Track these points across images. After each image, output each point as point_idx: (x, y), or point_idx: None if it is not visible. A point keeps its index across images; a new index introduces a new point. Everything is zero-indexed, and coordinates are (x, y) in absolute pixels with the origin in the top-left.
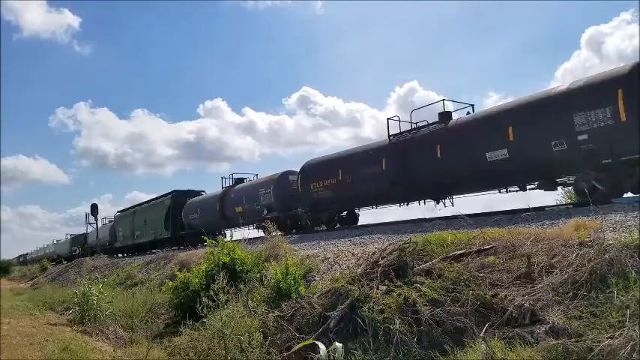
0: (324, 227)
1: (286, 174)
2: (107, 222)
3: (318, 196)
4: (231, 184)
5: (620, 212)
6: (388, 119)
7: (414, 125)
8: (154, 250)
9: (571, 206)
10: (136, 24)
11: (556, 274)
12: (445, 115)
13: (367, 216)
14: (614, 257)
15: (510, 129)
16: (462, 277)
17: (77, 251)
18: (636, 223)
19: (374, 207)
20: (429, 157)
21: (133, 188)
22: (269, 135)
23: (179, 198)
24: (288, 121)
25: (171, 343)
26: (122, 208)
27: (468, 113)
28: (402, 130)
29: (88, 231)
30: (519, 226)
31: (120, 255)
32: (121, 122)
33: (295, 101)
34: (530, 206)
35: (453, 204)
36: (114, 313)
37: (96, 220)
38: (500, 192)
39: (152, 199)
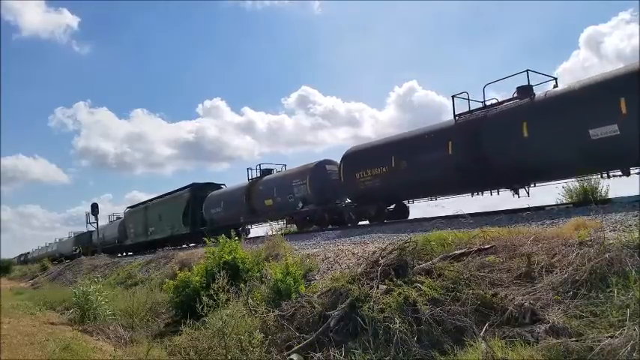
0: (364, 222)
1: (323, 163)
2: (115, 219)
3: (365, 187)
4: (257, 175)
5: (620, 211)
6: (453, 96)
7: (477, 108)
8: (171, 247)
9: (571, 205)
10: (135, 24)
11: (556, 273)
12: (527, 89)
13: (418, 210)
14: (614, 256)
15: (623, 100)
16: (462, 277)
17: (77, 250)
18: (636, 222)
19: (432, 198)
20: (512, 138)
21: (132, 188)
22: (268, 134)
23: (198, 191)
24: (288, 120)
25: (172, 343)
26: (130, 205)
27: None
28: (471, 109)
29: (93, 228)
30: (519, 226)
31: (130, 253)
32: (120, 122)
33: (294, 101)
34: (530, 206)
35: (528, 193)
36: (114, 313)
37: (96, 219)
38: (602, 176)
39: (167, 194)
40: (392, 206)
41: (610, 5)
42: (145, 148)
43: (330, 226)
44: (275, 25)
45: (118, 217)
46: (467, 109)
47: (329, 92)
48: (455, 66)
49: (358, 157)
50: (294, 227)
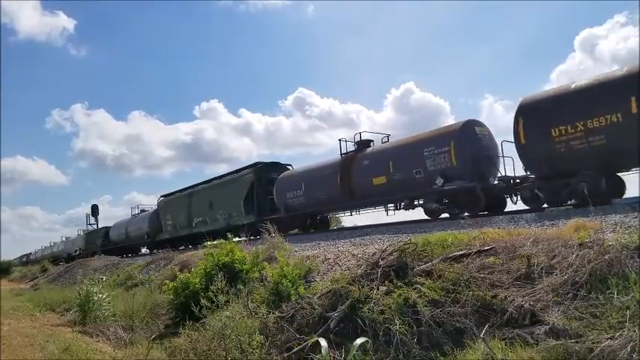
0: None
1: (471, 124)
2: (138, 211)
3: (570, 150)
4: (354, 148)
5: (620, 213)
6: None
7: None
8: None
9: (571, 207)
10: (132, 26)
11: (556, 274)
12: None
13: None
14: (614, 258)
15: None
16: (462, 278)
17: (77, 252)
18: (636, 223)
19: None
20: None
21: (131, 189)
22: (266, 136)
23: (264, 172)
24: (285, 122)
25: (172, 344)
26: (165, 193)
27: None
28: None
29: (104, 225)
30: (519, 227)
31: (165, 248)
32: (117, 124)
33: (291, 103)
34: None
35: None
36: (114, 314)
37: (96, 220)
38: None
39: (221, 176)
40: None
41: (605, 8)
42: (143, 149)
43: (486, 212)
44: (269, 27)
45: (143, 210)
46: None
47: (326, 94)
48: (452, 68)
49: (554, 107)
50: (414, 214)
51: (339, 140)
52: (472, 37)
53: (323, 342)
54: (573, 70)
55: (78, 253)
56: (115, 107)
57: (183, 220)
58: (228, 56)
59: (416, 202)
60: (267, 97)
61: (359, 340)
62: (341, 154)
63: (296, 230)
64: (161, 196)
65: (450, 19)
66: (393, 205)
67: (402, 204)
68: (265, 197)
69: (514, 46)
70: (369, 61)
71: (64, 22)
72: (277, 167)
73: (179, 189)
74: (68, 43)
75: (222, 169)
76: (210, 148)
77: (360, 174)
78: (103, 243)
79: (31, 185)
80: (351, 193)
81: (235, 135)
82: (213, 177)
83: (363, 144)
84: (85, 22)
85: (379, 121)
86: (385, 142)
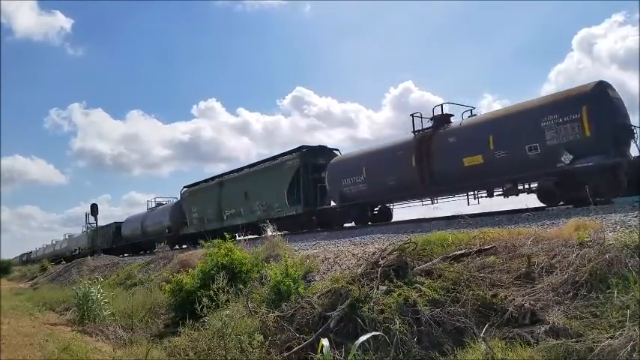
0: None
1: (604, 85)
2: (154, 205)
3: None
4: (430, 124)
5: (620, 212)
6: None
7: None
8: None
9: (571, 206)
10: (129, 25)
11: (556, 274)
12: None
13: None
14: (615, 257)
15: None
16: (462, 277)
17: (77, 251)
18: (636, 223)
19: None
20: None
21: (130, 189)
22: (264, 135)
23: (310, 157)
24: (284, 121)
25: (171, 344)
26: (188, 184)
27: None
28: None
29: (121, 220)
30: (519, 226)
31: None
32: (115, 123)
33: (289, 102)
34: (530, 206)
35: None
36: (113, 314)
37: (96, 220)
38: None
39: (257, 163)
40: None
41: (603, 7)
42: (141, 149)
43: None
44: (267, 26)
45: (159, 204)
46: None
47: (324, 93)
48: (451, 67)
49: None
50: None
51: (412, 115)
52: (470, 37)
53: (325, 342)
54: (572, 70)
55: (77, 252)
56: (113, 107)
57: (212, 212)
58: (226, 55)
59: (521, 186)
60: (266, 96)
61: (363, 337)
62: (414, 131)
63: (352, 223)
64: (184, 187)
65: (449, 19)
66: (485, 191)
67: (503, 188)
68: (314, 185)
69: (512, 46)
70: (368, 61)
71: (62, 21)
72: (324, 152)
73: (204, 179)
74: (65, 42)
75: (221, 168)
76: (208, 147)
77: (445, 154)
78: (114, 240)
79: (30, 185)
80: (430, 178)
81: (233, 134)
82: (245, 165)
83: (441, 119)
84: (82, 22)
85: (378, 121)
86: (472, 115)
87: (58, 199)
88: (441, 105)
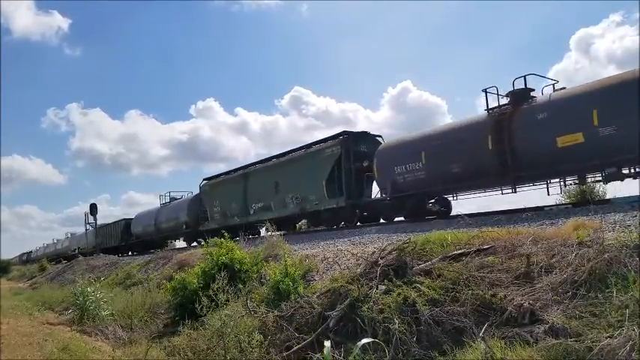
0: None
1: None
2: (168, 200)
3: None
4: (506, 100)
5: (619, 212)
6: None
7: None
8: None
9: (570, 206)
10: (127, 25)
11: (555, 273)
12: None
13: None
14: (614, 257)
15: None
16: (461, 277)
17: (76, 251)
18: (635, 222)
19: None
20: None
21: (129, 188)
22: (263, 135)
23: (352, 144)
24: (282, 121)
25: (171, 343)
26: (207, 177)
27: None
28: None
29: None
30: (519, 226)
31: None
32: (114, 123)
33: (288, 102)
34: (529, 206)
35: None
36: (113, 313)
37: (95, 220)
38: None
39: (289, 152)
40: None
41: (601, 7)
42: (140, 148)
43: None
44: (265, 26)
45: (173, 198)
46: None
47: (322, 93)
48: (449, 67)
49: None
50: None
51: (484, 90)
52: (468, 37)
53: (327, 343)
54: (570, 70)
55: (76, 251)
56: (111, 106)
57: (237, 206)
58: (224, 55)
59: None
60: (264, 96)
61: (363, 341)
62: (488, 109)
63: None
64: (204, 180)
65: (447, 19)
66: (576, 176)
67: (604, 173)
68: (361, 175)
69: (511, 45)
70: (366, 60)
71: (59, 21)
72: (366, 138)
73: (224, 171)
74: (63, 42)
75: (220, 167)
76: (207, 147)
77: (532, 133)
78: (123, 237)
79: (29, 184)
80: (513, 161)
81: (232, 134)
82: (274, 154)
83: (521, 94)
84: (80, 22)
85: (376, 120)
86: (561, 89)
87: (57, 199)
88: (523, 77)
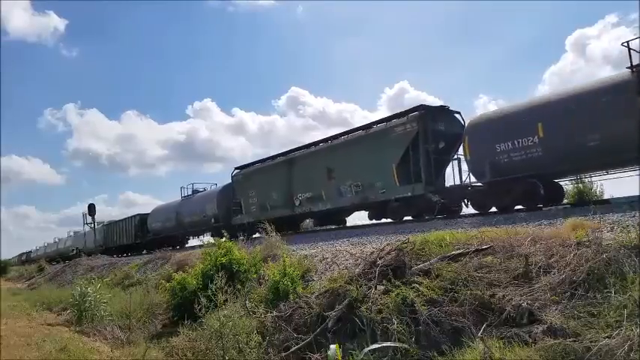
0: None
1: None
2: (189, 193)
3: None
4: None
5: (617, 212)
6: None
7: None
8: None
9: (569, 206)
10: (123, 26)
11: (554, 274)
12: None
13: None
14: (612, 257)
15: None
16: (460, 277)
17: (75, 251)
18: (634, 222)
19: None
20: None
21: (126, 189)
22: (260, 135)
23: (430, 122)
24: (280, 121)
25: (169, 344)
26: (240, 165)
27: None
28: None
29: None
30: (517, 226)
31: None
32: (111, 123)
33: (285, 102)
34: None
35: None
36: (111, 314)
37: (93, 220)
38: None
39: (348, 132)
40: None
41: (596, 8)
42: (137, 149)
43: None
44: (261, 26)
45: (196, 191)
46: None
47: (319, 93)
48: (446, 67)
49: None
50: None
51: (624, 44)
52: (466, 37)
53: (332, 347)
54: (566, 71)
55: (74, 252)
56: (108, 107)
57: (279, 197)
58: (220, 55)
59: None
60: (261, 96)
61: (374, 345)
62: (632, 66)
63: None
64: (235, 169)
65: (445, 19)
66: None
67: None
68: (438, 158)
69: (507, 46)
70: (363, 61)
71: (55, 22)
72: (446, 115)
73: (259, 159)
74: (59, 43)
75: (218, 168)
76: (204, 147)
77: None
78: (137, 235)
79: (26, 185)
80: None
81: (229, 134)
82: (324, 137)
83: None
84: (76, 22)
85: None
86: None
87: (55, 199)
88: None
